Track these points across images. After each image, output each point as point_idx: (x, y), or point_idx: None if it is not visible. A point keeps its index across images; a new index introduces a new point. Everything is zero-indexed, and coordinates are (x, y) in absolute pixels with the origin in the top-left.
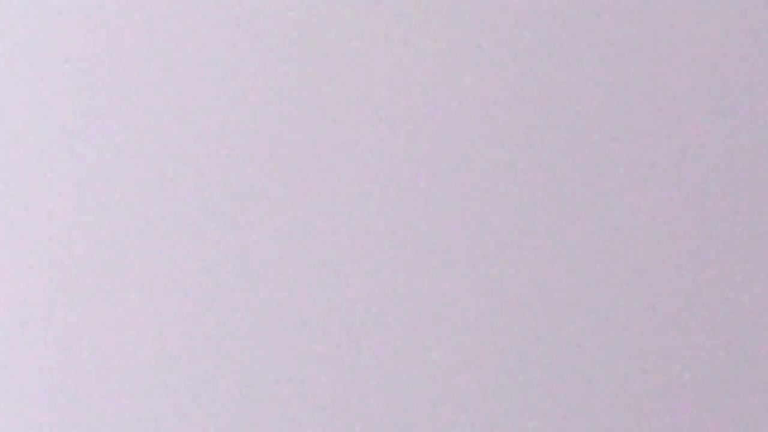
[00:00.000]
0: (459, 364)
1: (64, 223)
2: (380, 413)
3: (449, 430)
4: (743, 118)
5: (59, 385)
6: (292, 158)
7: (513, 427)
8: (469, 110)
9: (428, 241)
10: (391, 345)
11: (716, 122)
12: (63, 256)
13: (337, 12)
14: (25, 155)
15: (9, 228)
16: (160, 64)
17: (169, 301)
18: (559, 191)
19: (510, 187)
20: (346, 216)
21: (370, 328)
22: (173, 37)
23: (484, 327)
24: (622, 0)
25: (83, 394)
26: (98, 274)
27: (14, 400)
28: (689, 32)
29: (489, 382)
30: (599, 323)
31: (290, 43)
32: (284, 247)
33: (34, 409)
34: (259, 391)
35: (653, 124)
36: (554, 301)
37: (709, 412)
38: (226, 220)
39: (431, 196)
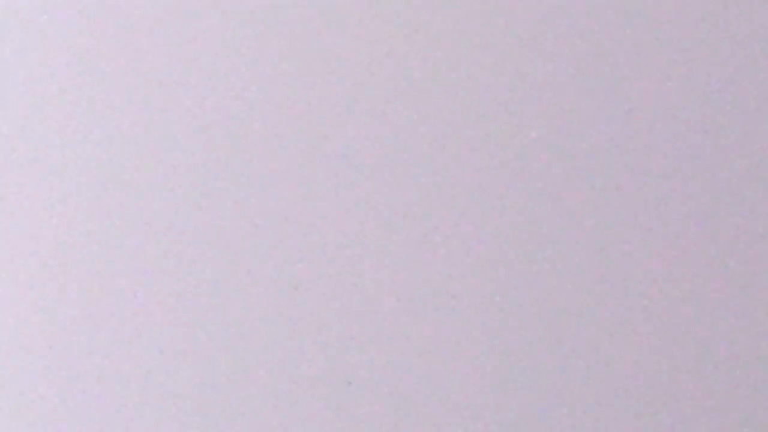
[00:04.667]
0: (458, 366)
1: (64, 223)
2: (380, 413)
3: (449, 429)
4: (743, 118)
5: (59, 386)
6: (292, 158)
7: (513, 428)
8: (468, 110)
9: (427, 241)
10: (391, 345)
11: (715, 122)
12: (63, 256)
13: (337, 12)
14: (25, 155)
15: (9, 228)
16: (160, 64)
17: (169, 301)
18: (559, 193)
19: (509, 187)
20: (345, 216)
21: (371, 328)
22: (172, 36)
23: (484, 327)
24: (622, 1)
25: (83, 394)
26: (97, 274)
27: (14, 401)
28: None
29: (488, 383)
30: (599, 324)
31: (290, 42)
32: (284, 246)
33: (34, 408)
34: (259, 391)
35: (653, 125)
36: (554, 301)
37: (708, 412)
38: (226, 220)
39: (431, 197)
